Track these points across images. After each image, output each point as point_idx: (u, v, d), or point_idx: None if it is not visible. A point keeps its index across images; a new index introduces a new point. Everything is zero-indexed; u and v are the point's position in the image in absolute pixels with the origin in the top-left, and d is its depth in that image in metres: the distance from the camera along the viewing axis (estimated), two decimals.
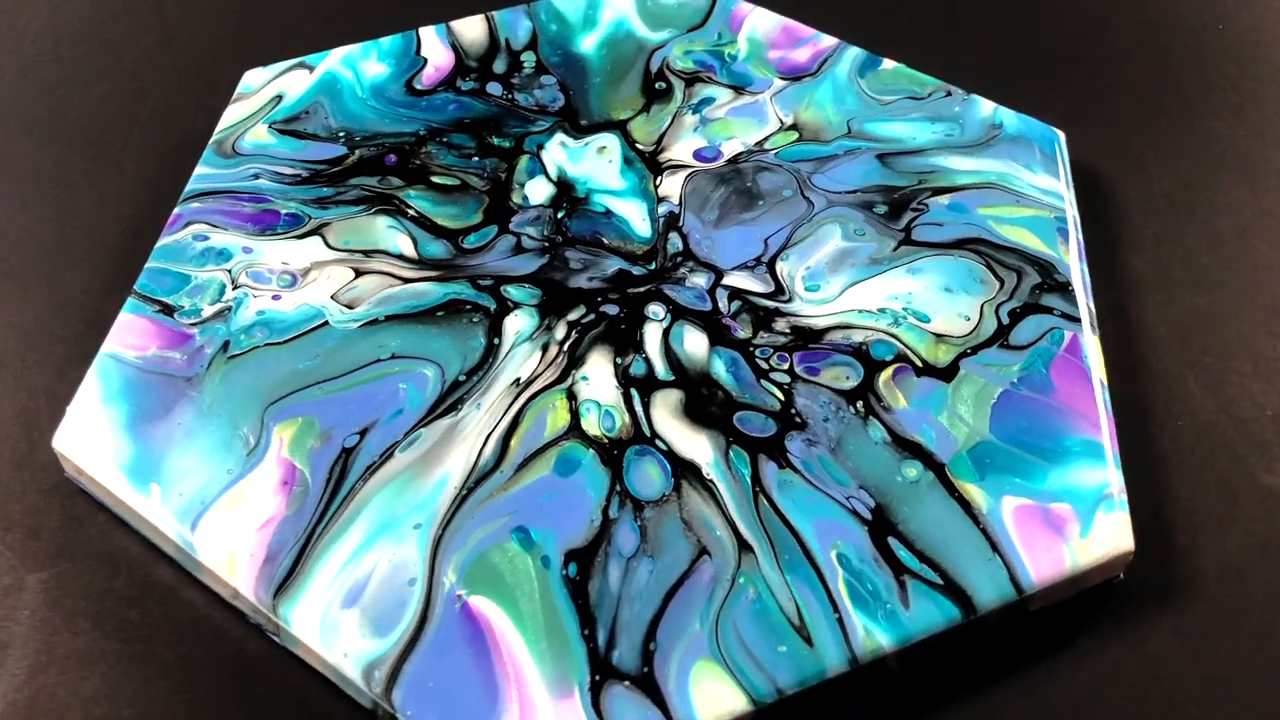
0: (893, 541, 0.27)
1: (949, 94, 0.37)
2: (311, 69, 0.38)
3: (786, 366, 0.30)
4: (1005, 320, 0.31)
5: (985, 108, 0.37)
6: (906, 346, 0.31)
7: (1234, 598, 0.28)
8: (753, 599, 0.26)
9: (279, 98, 0.37)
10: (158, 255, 0.33)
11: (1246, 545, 0.29)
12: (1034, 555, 0.27)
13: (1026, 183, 0.35)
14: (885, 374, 0.30)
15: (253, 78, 0.38)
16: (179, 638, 0.27)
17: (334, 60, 0.38)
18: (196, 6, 0.44)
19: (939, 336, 0.31)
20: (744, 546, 0.27)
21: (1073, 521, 0.27)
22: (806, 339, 0.31)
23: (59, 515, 0.29)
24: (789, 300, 0.32)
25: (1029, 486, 0.28)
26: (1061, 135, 0.37)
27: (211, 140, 0.36)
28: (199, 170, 0.35)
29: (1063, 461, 0.28)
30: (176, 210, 0.34)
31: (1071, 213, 0.34)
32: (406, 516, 0.27)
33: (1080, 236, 0.34)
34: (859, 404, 0.29)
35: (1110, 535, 0.27)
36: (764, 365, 0.30)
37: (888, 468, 0.28)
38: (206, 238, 0.33)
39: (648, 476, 0.28)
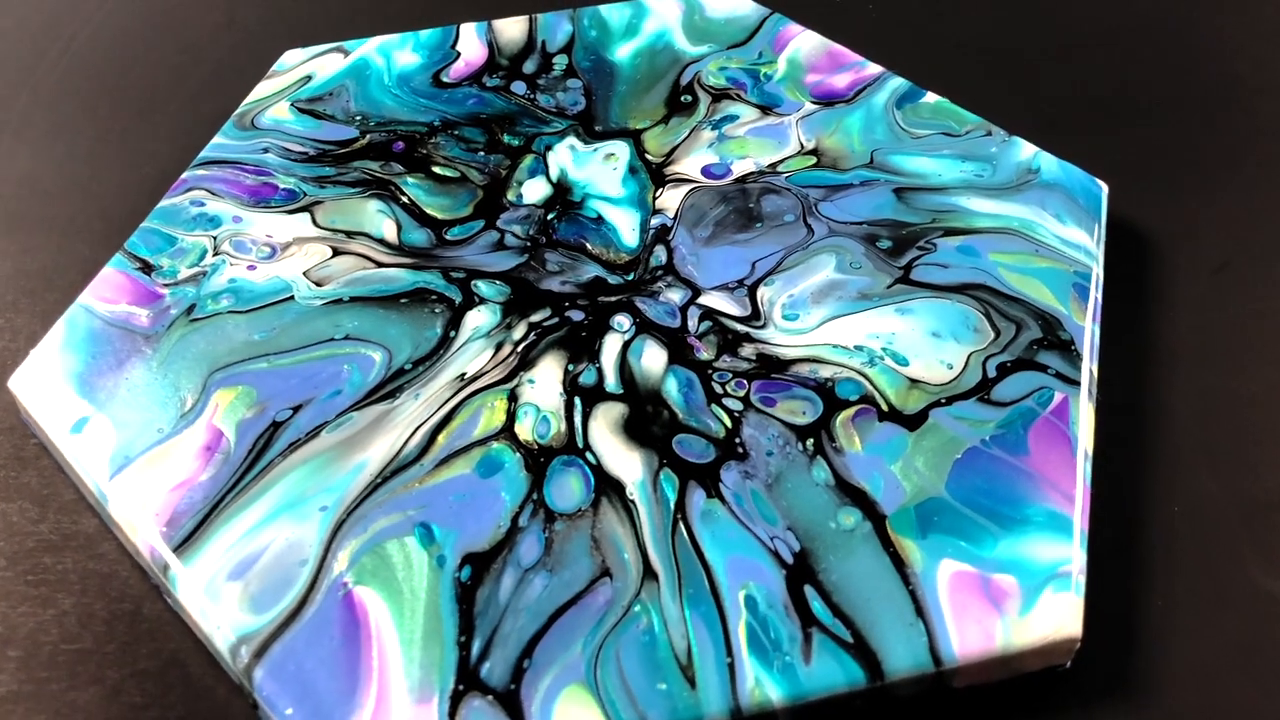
0: (809, 590, 0.25)
1: (988, 133, 0.35)
2: (347, 54, 0.39)
3: (743, 394, 0.29)
4: (991, 373, 0.29)
5: (1025, 151, 0.34)
6: (875, 388, 0.29)
7: (1200, 704, 0.25)
8: (643, 629, 0.24)
9: (308, 78, 0.38)
10: (155, 216, 0.33)
11: (1225, 648, 0.26)
12: (962, 626, 0.24)
13: (1051, 233, 0.32)
14: (845, 414, 0.28)
15: (290, 57, 0.39)
16: (83, 588, 0.27)
17: (370, 47, 0.39)
18: None
19: (914, 382, 0.29)
20: (649, 573, 0.25)
21: (1014, 596, 0.25)
22: (770, 368, 0.29)
23: (6, 454, 0.30)
24: (762, 326, 0.30)
25: (973, 552, 0.25)
26: (1104, 187, 0.34)
27: (235, 112, 0.37)
28: (215, 139, 0.36)
29: (1019, 531, 0.26)
30: (184, 175, 0.34)
31: (1096, 270, 0.31)
32: (315, 497, 0.27)
33: (1100, 296, 0.31)
34: (809, 441, 0.28)
35: (1054, 617, 0.24)
36: (719, 390, 0.29)
37: (823, 512, 0.26)
38: (203, 204, 0.33)
39: (568, 488, 0.27)
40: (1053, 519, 0.26)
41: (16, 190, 0.37)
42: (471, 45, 0.39)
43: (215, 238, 0.32)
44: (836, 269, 0.31)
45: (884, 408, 0.28)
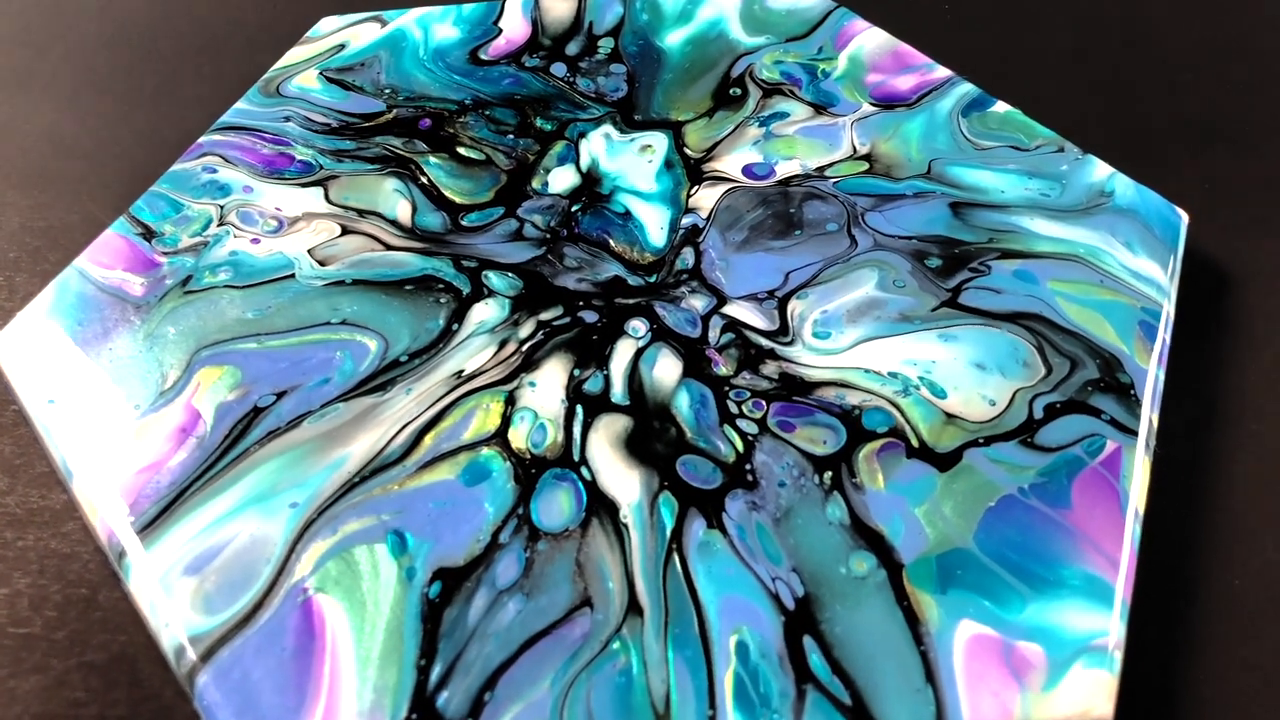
0: (808, 641, 0.22)
1: (1060, 149, 0.32)
2: (385, 24, 0.37)
3: (760, 415, 0.26)
4: (1038, 414, 0.26)
5: (1099, 171, 0.31)
6: (907, 420, 0.26)
7: None
8: (620, 669, 0.22)
9: (341, 46, 0.36)
10: (165, 180, 0.32)
11: None
12: (975, 698, 0.21)
13: (1119, 263, 0.29)
14: (870, 447, 0.25)
15: (326, 24, 0.37)
16: (40, 568, 0.26)
17: (409, 18, 0.37)
18: None
19: (950, 417, 0.26)
20: (634, 607, 0.23)
21: (1039, 668, 0.22)
22: (793, 389, 0.27)
23: None
24: (790, 343, 0.28)
25: (998, 615, 0.23)
26: (1184, 217, 0.31)
27: (262, 78, 0.35)
28: (237, 105, 0.34)
29: (1052, 594, 0.23)
30: (200, 139, 0.33)
31: (1167, 308, 0.28)
32: (287, 492, 0.25)
33: (1168, 337, 0.28)
34: (826, 474, 0.25)
35: (1083, 696, 0.22)
36: (734, 409, 0.26)
37: (834, 554, 0.24)
38: (215, 170, 0.32)
39: (557, 505, 0.25)
40: (1091, 584, 0.23)
41: (37, 144, 0.36)
42: (515, 21, 0.37)
43: (223, 207, 0.31)
44: (878, 286, 0.29)
45: (914, 443, 0.25)
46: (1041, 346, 0.27)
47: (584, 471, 0.25)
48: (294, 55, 0.36)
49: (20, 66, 0.38)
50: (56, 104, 0.37)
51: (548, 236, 0.30)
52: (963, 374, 0.27)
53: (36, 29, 0.40)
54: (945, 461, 0.25)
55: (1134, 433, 0.26)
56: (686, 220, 0.31)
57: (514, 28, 0.37)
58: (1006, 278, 0.29)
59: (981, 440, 0.26)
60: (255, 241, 0.30)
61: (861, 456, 0.25)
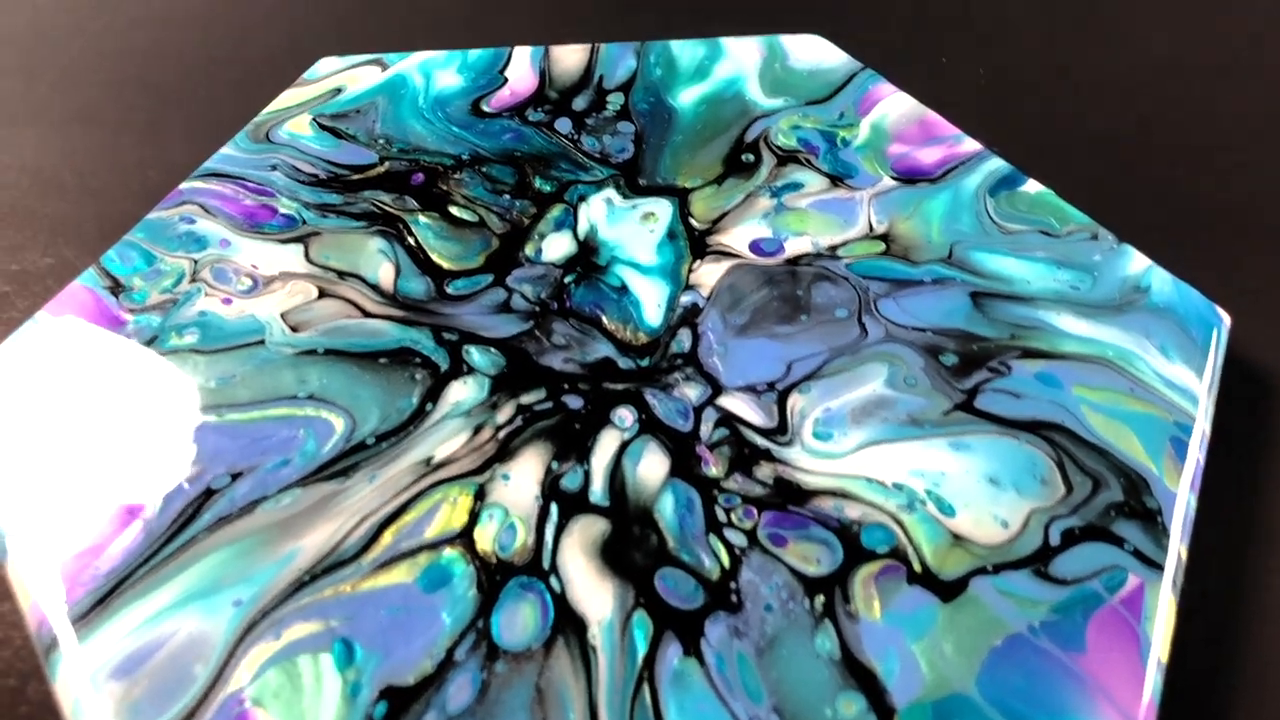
0: None
1: (1094, 237, 0.30)
2: (386, 67, 0.35)
3: (750, 525, 0.24)
4: (1054, 540, 0.24)
5: (1135, 263, 0.29)
6: (910, 540, 0.24)
7: None
8: None
9: (338, 90, 0.34)
10: (140, 229, 0.30)
11: None
12: None
13: (1152, 369, 0.27)
14: (868, 569, 0.23)
15: (324, 65, 0.35)
16: None
17: (411, 63, 0.35)
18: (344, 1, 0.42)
19: (957, 539, 0.24)
20: None
21: None
22: (788, 497, 0.24)
23: None
24: (788, 443, 0.25)
25: None
26: (1226, 319, 0.28)
27: (252, 122, 0.33)
28: (223, 150, 0.32)
29: None
30: (181, 185, 0.31)
31: (1203, 425, 0.26)
32: (232, 588, 0.23)
33: (1203, 457, 0.25)
34: (818, 599, 0.23)
35: None
36: (723, 516, 0.24)
37: (820, 693, 0.21)
38: (193, 220, 0.30)
39: (520, 620, 0.23)
40: None
41: (17, 179, 0.34)
42: (522, 71, 0.35)
43: (196, 261, 0.29)
44: (887, 383, 0.27)
45: (916, 567, 0.23)
46: (1062, 462, 0.25)
47: (553, 581, 0.23)
48: (288, 98, 0.34)
49: (10, 95, 0.37)
50: (41, 136, 0.35)
51: (537, 309, 0.28)
52: (974, 489, 0.25)
53: (30, 55, 0.38)
54: (949, 590, 0.23)
55: (1159, 567, 0.23)
56: (686, 298, 0.29)
57: (520, 78, 0.35)
58: (1028, 380, 0.27)
59: (990, 568, 0.23)
60: (227, 301, 0.28)
61: (858, 579, 0.23)
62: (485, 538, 0.24)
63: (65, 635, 0.22)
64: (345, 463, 0.25)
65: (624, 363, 0.27)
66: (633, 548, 0.24)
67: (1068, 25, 0.39)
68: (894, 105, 0.34)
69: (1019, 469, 0.25)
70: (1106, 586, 0.23)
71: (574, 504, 0.24)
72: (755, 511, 0.24)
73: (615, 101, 0.34)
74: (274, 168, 0.32)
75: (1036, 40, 0.39)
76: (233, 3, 0.41)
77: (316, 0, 0.41)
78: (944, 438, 0.25)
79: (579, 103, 0.34)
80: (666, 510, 0.24)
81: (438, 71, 0.35)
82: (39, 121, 0.36)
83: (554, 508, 0.24)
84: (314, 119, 0.33)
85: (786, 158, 0.32)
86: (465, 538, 0.24)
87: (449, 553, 0.23)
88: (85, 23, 0.39)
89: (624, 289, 0.29)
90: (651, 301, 0.29)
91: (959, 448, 0.25)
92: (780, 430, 0.26)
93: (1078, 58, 0.38)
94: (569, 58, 0.35)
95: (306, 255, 0.29)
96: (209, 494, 0.24)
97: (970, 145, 0.32)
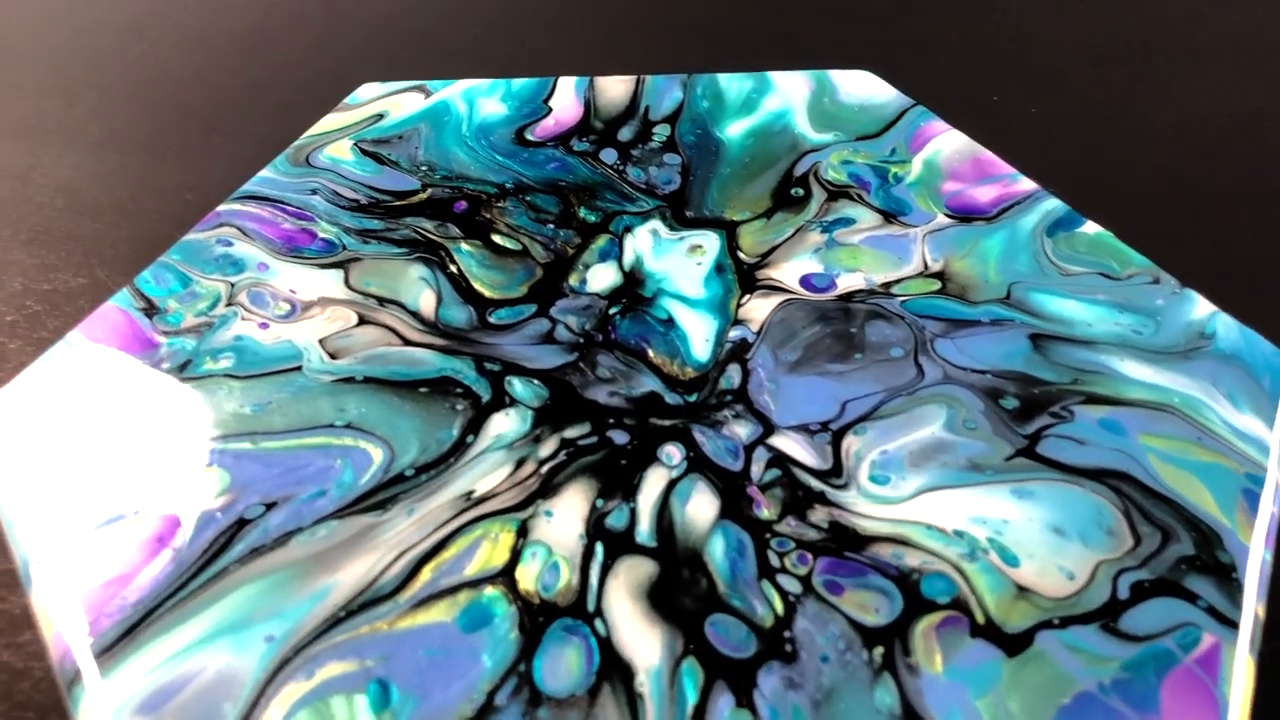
0: None
1: (1156, 280, 0.29)
2: (429, 94, 0.34)
3: (805, 571, 0.23)
4: (1123, 593, 0.23)
5: (1199, 309, 0.28)
6: (973, 591, 0.23)
7: None
8: None
9: (380, 116, 0.34)
10: (176, 250, 0.29)
11: None
12: None
13: (1221, 418, 0.26)
14: (929, 620, 0.22)
15: (366, 91, 0.35)
16: None
17: (455, 90, 0.35)
18: (388, 27, 0.42)
19: (1022, 590, 0.23)
20: None
21: None
22: (844, 543, 0.23)
23: None
24: (844, 486, 0.24)
25: None
26: None
27: (291, 145, 0.33)
28: (262, 173, 0.32)
29: None
30: (219, 208, 0.31)
31: (1275, 476, 0.25)
32: (264, 623, 0.22)
33: (1278, 511, 0.24)
34: (877, 651, 0.22)
35: None
36: (776, 561, 0.23)
37: None
38: (230, 243, 0.29)
39: (564, 665, 0.21)
40: None
41: (52, 199, 0.34)
42: (567, 101, 0.34)
43: (234, 284, 0.28)
44: (945, 426, 0.26)
45: (979, 619, 0.22)
46: (1129, 512, 0.24)
47: (598, 625, 0.22)
48: (328, 122, 0.34)
49: (49, 115, 0.36)
50: (79, 156, 0.35)
51: (581, 341, 0.27)
52: (1038, 539, 0.23)
53: (71, 76, 0.38)
54: (1014, 644, 0.22)
55: (1235, 625, 0.22)
56: (735, 333, 0.28)
57: (565, 108, 0.34)
58: (1092, 427, 0.26)
59: (1057, 621, 0.22)
60: (264, 326, 0.27)
61: (919, 631, 0.22)
62: (528, 577, 0.23)
63: (89, 668, 0.21)
64: (383, 494, 0.24)
65: (671, 398, 0.26)
66: (682, 592, 0.23)
67: (1117, 64, 0.39)
68: (947, 142, 0.33)
69: (1084, 519, 0.24)
70: (1180, 644, 0.22)
71: (620, 544, 0.23)
72: (810, 557, 0.23)
73: (661, 133, 0.33)
74: (314, 192, 0.31)
75: (1085, 78, 0.38)
76: (275, 28, 0.40)
77: (357, 27, 0.41)
78: (1006, 484, 0.24)
79: (624, 133, 0.33)
80: (717, 553, 0.23)
81: (481, 99, 0.34)
82: (76, 142, 0.35)
83: (599, 547, 0.23)
84: (355, 144, 0.33)
85: (837, 193, 0.32)
86: (507, 576, 0.23)
87: (490, 591, 0.23)
88: (126, 45, 0.39)
89: (670, 322, 0.28)
90: (699, 335, 0.28)
91: (1022, 495, 0.24)
92: (835, 472, 0.25)
93: (1128, 97, 0.38)
94: (614, 88, 0.35)
95: (346, 281, 0.29)
96: (242, 524, 0.23)
97: (1026, 184, 0.32)
